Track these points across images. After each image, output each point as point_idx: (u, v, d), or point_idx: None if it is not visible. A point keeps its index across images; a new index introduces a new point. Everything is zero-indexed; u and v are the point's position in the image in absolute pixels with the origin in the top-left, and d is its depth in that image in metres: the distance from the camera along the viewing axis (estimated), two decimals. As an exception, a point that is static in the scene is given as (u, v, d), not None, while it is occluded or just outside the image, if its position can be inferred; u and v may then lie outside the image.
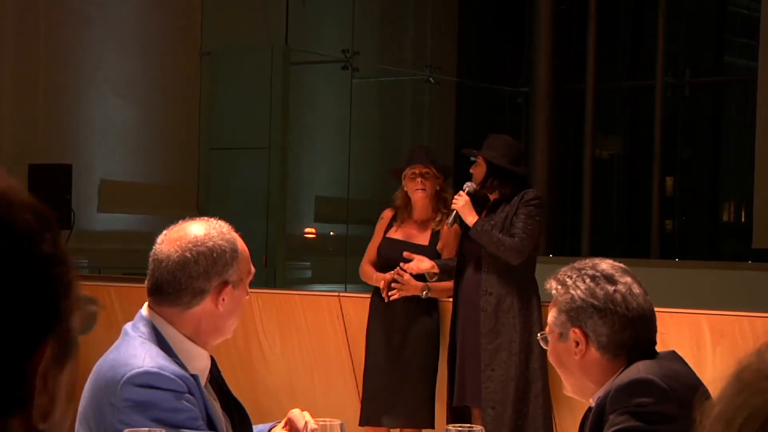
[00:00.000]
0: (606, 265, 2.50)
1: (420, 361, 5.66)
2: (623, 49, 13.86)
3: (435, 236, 5.74)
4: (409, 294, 5.62)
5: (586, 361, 2.46)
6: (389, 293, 5.62)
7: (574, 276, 2.49)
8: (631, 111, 13.91)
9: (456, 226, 5.58)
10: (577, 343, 2.46)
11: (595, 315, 2.45)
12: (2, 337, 0.88)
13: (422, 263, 5.58)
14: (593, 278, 2.47)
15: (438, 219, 5.75)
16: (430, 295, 5.65)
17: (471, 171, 5.51)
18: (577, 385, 2.51)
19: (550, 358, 2.56)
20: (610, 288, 2.45)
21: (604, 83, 12.98)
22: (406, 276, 5.62)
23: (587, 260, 2.54)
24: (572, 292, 2.47)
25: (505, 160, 5.42)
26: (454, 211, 5.43)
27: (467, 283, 5.44)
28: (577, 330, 2.46)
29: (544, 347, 2.57)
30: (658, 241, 12.76)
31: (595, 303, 2.45)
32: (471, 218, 5.37)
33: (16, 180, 0.94)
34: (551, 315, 2.53)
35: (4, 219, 0.90)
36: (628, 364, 2.43)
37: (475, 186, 5.46)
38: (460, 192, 5.44)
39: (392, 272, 5.64)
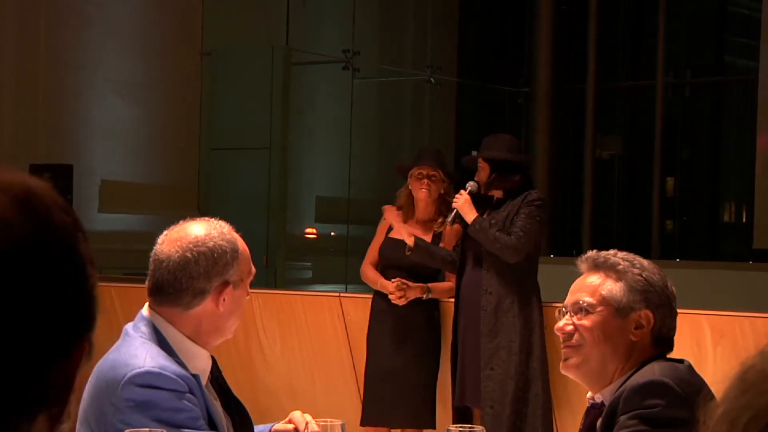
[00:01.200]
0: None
1: (421, 361, 5.66)
2: (624, 50, 13.86)
3: (437, 237, 5.74)
4: (411, 297, 5.62)
5: (637, 345, 2.43)
6: (397, 298, 5.62)
7: (645, 263, 2.48)
8: (631, 111, 13.91)
9: (457, 225, 5.58)
10: (638, 325, 2.43)
11: (667, 306, 2.45)
12: (47, 337, 0.88)
13: (402, 227, 5.59)
14: (662, 275, 2.48)
15: (440, 221, 5.75)
16: (431, 296, 5.65)
17: (476, 179, 5.50)
18: (606, 365, 2.44)
19: (590, 331, 2.44)
20: (673, 288, 2.48)
21: (605, 83, 12.98)
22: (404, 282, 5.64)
23: (626, 253, 2.52)
24: (648, 275, 2.45)
25: (504, 153, 5.44)
26: (455, 210, 5.43)
27: (468, 282, 5.45)
28: (648, 313, 2.43)
29: (577, 319, 2.46)
30: (658, 242, 12.76)
31: (669, 295, 2.46)
32: (471, 216, 5.37)
33: (44, 181, 0.95)
34: (612, 287, 2.44)
35: (46, 221, 0.91)
36: (649, 360, 2.42)
37: (477, 186, 5.46)
38: (461, 191, 5.44)
39: (394, 281, 5.64)
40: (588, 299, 2.46)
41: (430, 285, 5.66)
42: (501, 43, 14.13)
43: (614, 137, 13.92)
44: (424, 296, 5.63)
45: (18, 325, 0.86)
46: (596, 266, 2.49)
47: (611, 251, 2.51)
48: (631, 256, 2.50)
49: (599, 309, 2.45)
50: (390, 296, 5.62)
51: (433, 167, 5.70)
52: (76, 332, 0.91)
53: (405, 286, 5.61)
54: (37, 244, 0.89)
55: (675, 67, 13.15)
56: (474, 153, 5.63)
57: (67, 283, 0.91)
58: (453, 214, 5.45)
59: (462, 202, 5.39)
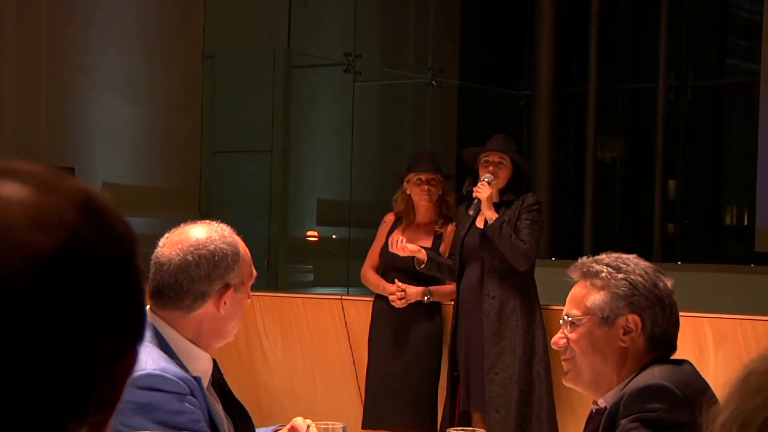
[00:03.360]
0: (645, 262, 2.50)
1: (422, 364, 5.66)
2: (625, 52, 13.86)
3: (438, 239, 5.74)
4: (411, 300, 5.62)
5: (630, 351, 2.42)
6: (397, 299, 5.62)
7: (631, 264, 2.45)
8: (633, 113, 13.89)
9: (453, 226, 5.59)
10: (626, 331, 2.41)
11: (657, 306, 2.42)
12: (105, 341, 0.87)
13: (410, 244, 5.54)
14: (653, 270, 2.45)
15: (440, 222, 5.75)
16: (432, 299, 5.65)
17: (490, 171, 5.42)
18: (600, 374, 2.44)
19: (578, 343, 2.45)
20: (668, 283, 2.45)
21: (606, 85, 12.98)
22: (403, 286, 5.63)
23: (619, 254, 2.50)
24: (634, 278, 2.42)
25: (526, 162, 5.52)
26: (476, 199, 5.39)
27: (468, 287, 5.44)
28: (635, 317, 2.41)
29: (567, 332, 2.47)
30: (660, 244, 12.74)
31: (659, 294, 2.42)
32: (491, 213, 5.35)
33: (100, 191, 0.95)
34: (595, 297, 2.44)
35: (111, 228, 0.90)
36: (649, 364, 2.41)
37: (493, 179, 5.42)
38: (483, 182, 5.40)
39: (395, 285, 5.63)
40: (574, 312, 2.48)
41: (431, 288, 5.66)
42: (502, 45, 14.14)
43: (616, 140, 13.91)
44: (425, 299, 5.63)
45: (79, 326, 0.85)
46: (583, 275, 2.49)
47: (602, 255, 2.50)
48: (619, 259, 2.47)
49: (584, 321, 2.46)
50: (390, 298, 5.62)
51: (430, 172, 5.70)
52: (128, 339, 0.90)
53: (404, 293, 5.61)
54: (103, 248, 0.88)
55: (676, 69, 13.14)
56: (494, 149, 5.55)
57: (126, 290, 0.90)
58: (475, 203, 5.40)
59: (486, 196, 5.35)
